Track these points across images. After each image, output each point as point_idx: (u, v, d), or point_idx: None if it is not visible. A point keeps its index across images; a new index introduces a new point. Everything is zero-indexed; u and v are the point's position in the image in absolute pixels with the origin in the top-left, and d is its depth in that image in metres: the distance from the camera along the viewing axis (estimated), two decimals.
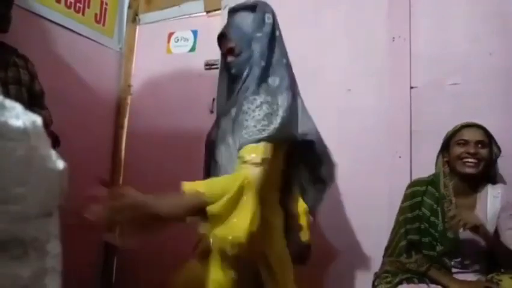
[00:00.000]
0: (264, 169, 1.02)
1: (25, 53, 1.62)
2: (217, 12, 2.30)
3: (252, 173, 0.99)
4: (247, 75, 1.14)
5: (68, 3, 2.11)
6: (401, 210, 1.51)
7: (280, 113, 1.08)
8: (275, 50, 1.17)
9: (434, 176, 1.50)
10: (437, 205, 1.42)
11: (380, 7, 1.91)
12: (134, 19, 2.56)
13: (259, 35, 1.15)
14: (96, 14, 2.31)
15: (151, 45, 2.52)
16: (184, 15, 2.45)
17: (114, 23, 2.45)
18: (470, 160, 1.40)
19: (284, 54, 1.19)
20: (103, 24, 2.36)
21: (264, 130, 1.05)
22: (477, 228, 1.30)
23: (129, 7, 2.56)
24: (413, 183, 1.54)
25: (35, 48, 1.80)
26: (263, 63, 1.13)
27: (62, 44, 2.07)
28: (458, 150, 1.44)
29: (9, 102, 0.45)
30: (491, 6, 1.71)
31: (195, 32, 2.41)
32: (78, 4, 2.17)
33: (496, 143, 1.45)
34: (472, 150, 1.40)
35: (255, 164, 1.01)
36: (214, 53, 2.25)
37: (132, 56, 2.56)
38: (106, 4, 2.37)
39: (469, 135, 1.43)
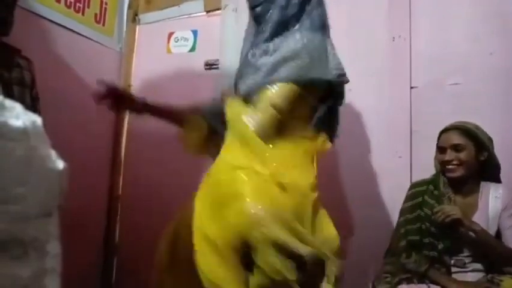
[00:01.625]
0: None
1: (25, 53, 1.62)
2: (217, 12, 2.30)
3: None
4: (273, 16, 1.17)
5: (68, 3, 2.11)
6: (402, 212, 1.51)
7: (304, 54, 1.12)
8: None
9: (435, 175, 1.50)
10: (438, 203, 1.42)
11: (380, 7, 1.91)
12: (134, 19, 2.55)
13: None
14: (96, 14, 2.30)
15: (151, 45, 2.52)
16: (184, 15, 2.44)
17: (114, 23, 2.45)
18: (449, 167, 1.41)
19: None
20: (103, 24, 2.36)
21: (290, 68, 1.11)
22: (460, 222, 1.30)
23: (129, 7, 2.55)
24: (414, 185, 1.53)
25: (35, 48, 1.79)
26: None
27: (62, 44, 2.07)
28: (438, 156, 1.47)
29: (9, 102, 0.45)
30: (492, 6, 1.71)
31: (194, 32, 2.41)
32: (78, 4, 2.17)
33: (482, 141, 1.41)
34: (447, 158, 1.41)
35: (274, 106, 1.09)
36: (214, 53, 2.27)
37: (132, 55, 2.56)
38: (106, 4, 2.37)
39: (444, 141, 1.44)
